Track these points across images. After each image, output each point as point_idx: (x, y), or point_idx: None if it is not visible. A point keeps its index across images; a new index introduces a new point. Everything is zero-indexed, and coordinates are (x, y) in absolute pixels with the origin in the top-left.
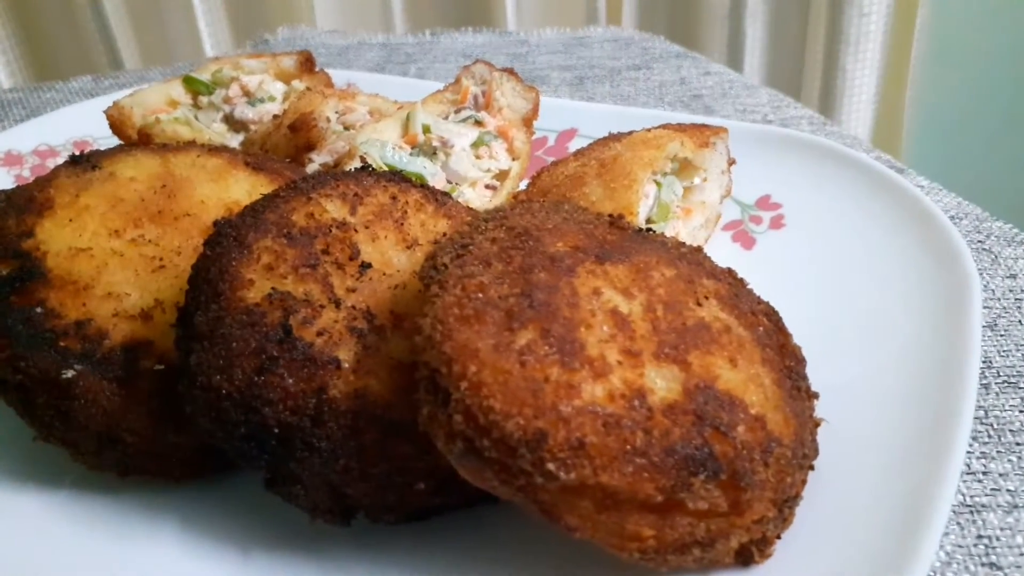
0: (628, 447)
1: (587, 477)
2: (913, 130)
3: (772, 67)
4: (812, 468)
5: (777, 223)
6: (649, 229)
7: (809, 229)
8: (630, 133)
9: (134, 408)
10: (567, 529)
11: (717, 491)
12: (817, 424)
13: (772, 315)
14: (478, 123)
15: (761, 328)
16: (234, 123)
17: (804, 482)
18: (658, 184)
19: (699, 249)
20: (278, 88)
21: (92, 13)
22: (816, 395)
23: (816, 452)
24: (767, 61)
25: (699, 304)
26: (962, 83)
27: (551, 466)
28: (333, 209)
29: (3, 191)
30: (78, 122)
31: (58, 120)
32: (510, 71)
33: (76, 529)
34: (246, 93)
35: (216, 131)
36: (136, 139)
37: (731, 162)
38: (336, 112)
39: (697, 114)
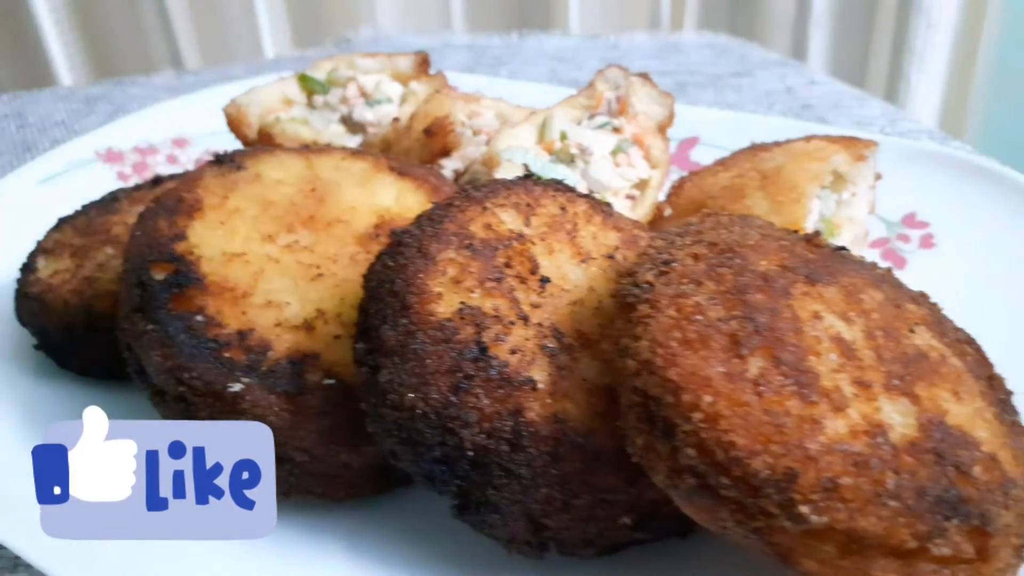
0: (880, 489)
1: (840, 521)
2: (972, 145)
3: (834, 74)
4: None
5: (927, 242)
6: (842, 248)
7: (962, 249)
8: (781, 143)
9: (303, 425)
10: (803, 573)
11: (964, 536)
12: None
13: (973, 343)
14: (615, 130)
15: (969, 357)
16: (352, 124)
17: None
18: (818, 198)
19: (890, 270)
20: (395, 89)
21: (157, 11)
22: None
23: None
24: (829, 68)
25: (912, 331)
26: None
27: (803, 509)
28: (509, 220)
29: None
30: (173, 118)
31: (153, 116)
32: (645, 76)
33: (236, 551)
34: (363, 94)
35: (333, 132)
36: (253, 138)
37: (877, 177)
38: (465, 116)
39: (809, 122)
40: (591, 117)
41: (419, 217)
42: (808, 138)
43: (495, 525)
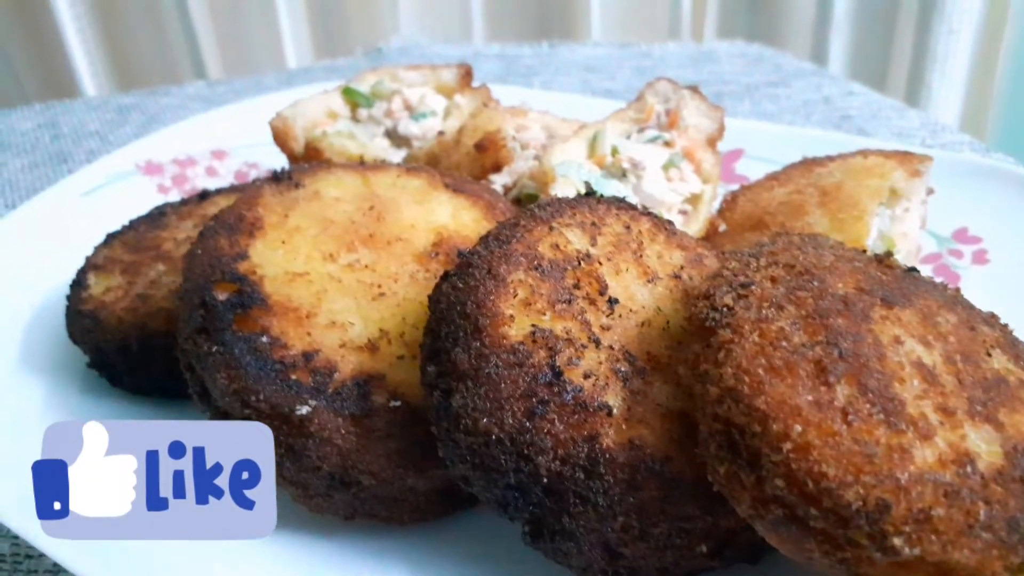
0: (972, 520)
1: (933, 553)
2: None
3: (854, 79)
4: None
5: (981, 258)
6: (913, 269)
7: (1016, 263)
8: (835, 158)
9: (370, 447)
10: None
11: None
12: None
13: None
14: (666, 143)
15: None
16: (396, 138)
17: None
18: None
19: (958, 290)
20: (440, 102)
21: (179, 20)
22: None
23: None
24: (849, 73)
25: (989, 354)
26: None
27: (896, 540)
28: (575, 240)
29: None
30: (211, 130)
31: (191, 128)
32: (694, 89)
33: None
34: (408, 107)
35: (378, 146)
36: (299, 151)
37: (930, 191)
38: (513, 130)
39: (851, 135)
40: (641, 131)
41: (485, 237)
42: (864, 153)
43: (570, 553)
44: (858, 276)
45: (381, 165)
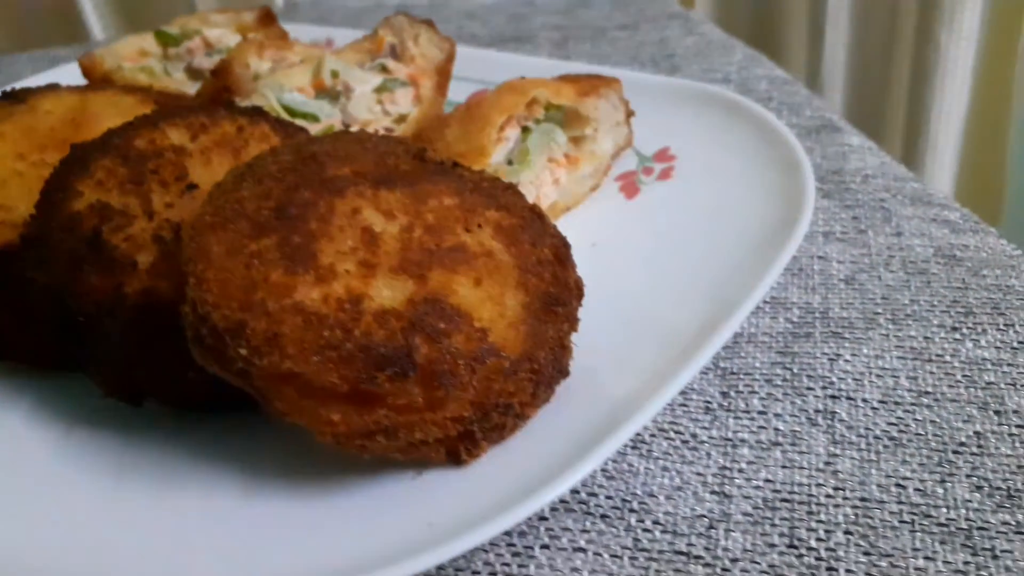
0: (322, 342)
1: (276, 364)
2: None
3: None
4: (552, 385)
5: (667, 174)
6: (456, 164)
7: (694, 179)
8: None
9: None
10: (278, 413)
11: (414, 387)
12: (564, 347)
13: (560, 249)
14: (384, 70)
15: (535, 258)
16: (193, 73)
17: (534, 395)
18: (528, 130)
19: (511, 186)
20: (236, 41)
21: None
22: (577, 323)
23: (562, 373)
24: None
25: (468, 230)
26: None
27: (245, 352)
28: (174, 136)
29: None
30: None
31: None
32: (428, 23)
33: None
34: (207, 45)
35: (177, 79)
36: None
37: (630, 114)
38: (272, 61)
39: (663, 73)
40: (373, 60)
41: (103, 134)
42: (533, 77)
43: (98, 375)
44: (368, 164)
45: (107, 86)
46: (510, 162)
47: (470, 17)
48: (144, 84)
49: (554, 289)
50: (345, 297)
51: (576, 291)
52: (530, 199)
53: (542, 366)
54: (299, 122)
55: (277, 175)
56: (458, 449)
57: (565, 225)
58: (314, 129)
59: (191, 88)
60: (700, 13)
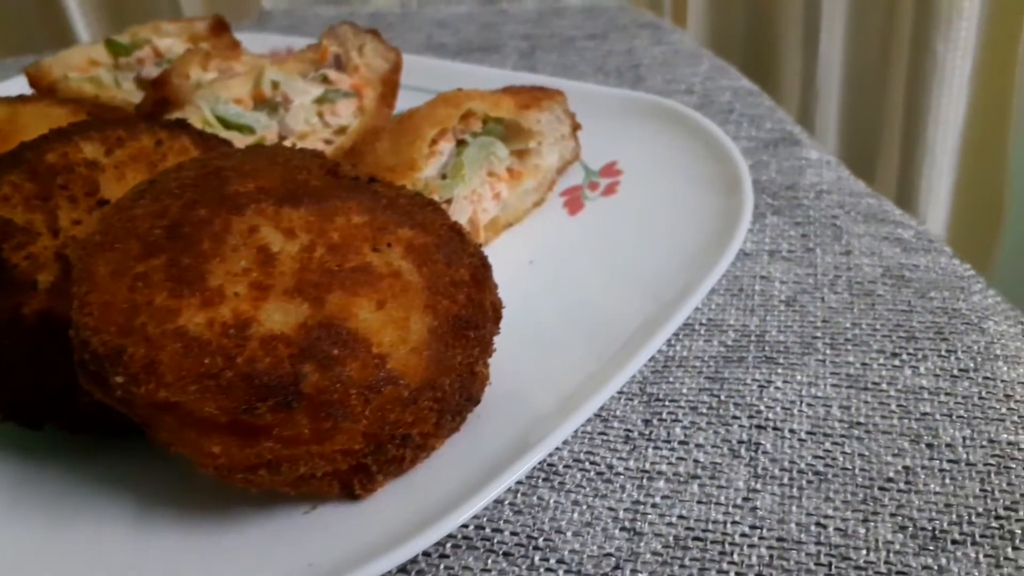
0: (201, 369)
1: (153, 392)
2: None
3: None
4: (461, 413)
5: (612, 189)
6: (372, 179)
7: (638, 196)
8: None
9: None
10: (161, 442)
11: (300, 418)
12: (473, 374)
13: (479, 269)
14: (326, 81)
15: (449, 279)
16: (142, 83)
17: (438, 425)
18: (464, 143)
19: (431, 203)
20: (183, 50)
21: None
22: (490, 348)
23: (472, 401)
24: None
25: (375, 249)
26: None
27: (121, 379)
28: (89, 150)
29: None
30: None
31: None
32: (374, 32)
33: None
34: (157, 55)
35: (127, 90)
36: None
37: (576, 127)
38: (219, 71)
39: (627, 84)
40: (317, 71)
41: (17, 147)
42: (469, 89)
43: (0, 403)
44: (275, 179)
45: (38, 97)
46: (444, 176)
47: (441, 26)
48: (90, 94)
49: (467, 312)
50: (231, 322)
51: (493, 314)
52: (466, 215)
53: (447, 394)
54: (234, 134)
55: (176, 191)
56: (352, 483)
57: (505, 242)
58: (248, 142)
59: (139, 98)
60: (668, 23)
